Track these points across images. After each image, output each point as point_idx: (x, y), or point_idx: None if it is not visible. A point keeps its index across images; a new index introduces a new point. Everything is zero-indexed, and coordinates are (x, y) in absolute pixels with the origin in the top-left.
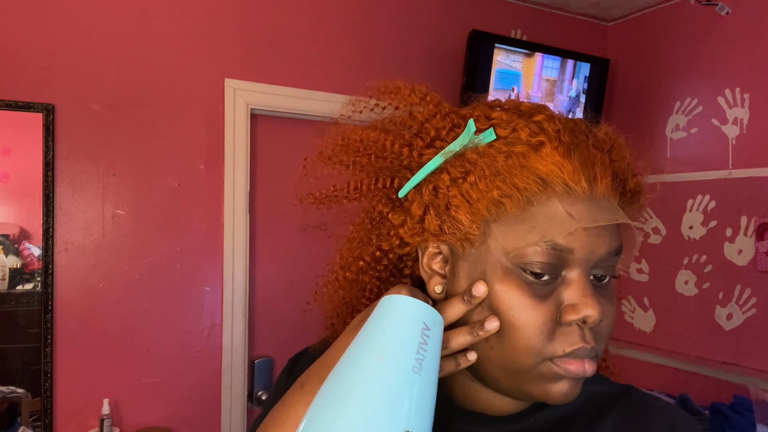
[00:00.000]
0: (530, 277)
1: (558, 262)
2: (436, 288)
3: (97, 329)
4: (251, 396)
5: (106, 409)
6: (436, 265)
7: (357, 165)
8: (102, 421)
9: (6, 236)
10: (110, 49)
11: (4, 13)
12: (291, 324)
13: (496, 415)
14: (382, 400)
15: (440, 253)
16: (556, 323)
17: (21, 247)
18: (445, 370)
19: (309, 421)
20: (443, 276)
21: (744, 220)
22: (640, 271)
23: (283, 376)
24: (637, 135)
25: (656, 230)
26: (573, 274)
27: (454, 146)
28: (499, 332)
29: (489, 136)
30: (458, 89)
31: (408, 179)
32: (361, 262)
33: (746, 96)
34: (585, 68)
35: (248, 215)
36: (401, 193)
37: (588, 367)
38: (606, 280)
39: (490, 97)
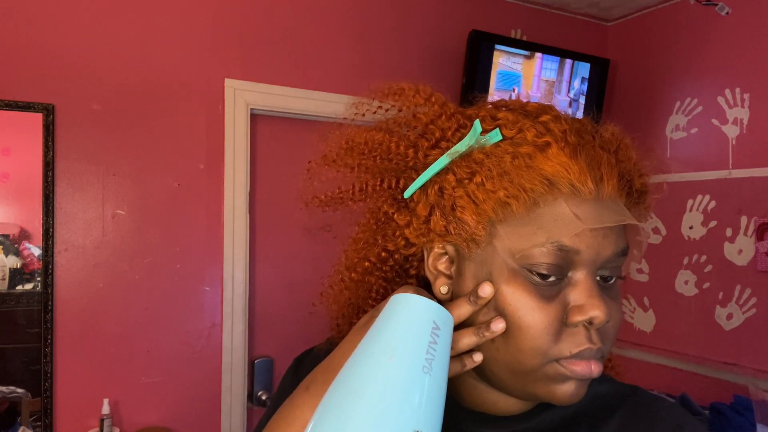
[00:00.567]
0: (536, 278)
1: (564, 263)
2: (442, 288)
3: (97, 329)
4: (251, 396)
5: (106, 409)
6: (442, 265)
7: (362, 167)
8: (102, 421)
9: (6, 236)
10: (110, 49)
11: (4, 13)
12: (291, 324)
13: (502, 415)
14: (392, 400)
15: (446, 253)
16: (562, 324)
17: (21, 247)
18: (451, 371)
19: (318, 419)
20: (449, 277)
21: (744, 220)
22: (640, 271)
23: (288, 376)
24: (637, 135)
25: (656, 230)
26: (579, 275)
27: (460, 147)
28: (506, 333)
29: (495, 136)
30: (458, 89)
31: (413, 180)
32: (367, 263)
33: (746, 96)
34: (584, 69)
35: (248, 215)
36: (407, 194)
37: (594, 368)
38: (612, 281)
39: (491, 98)
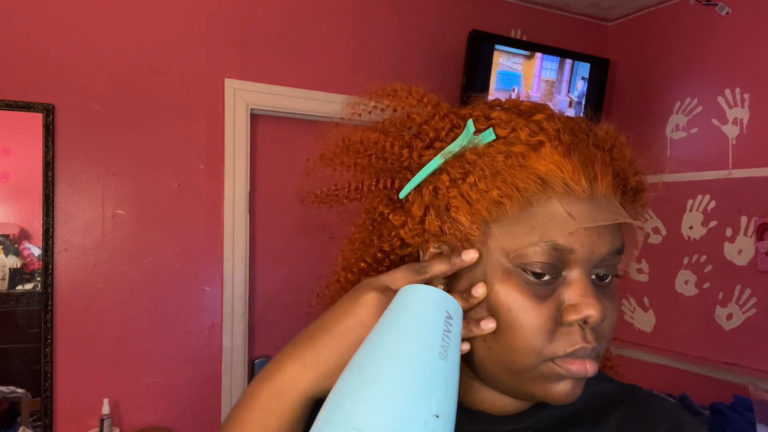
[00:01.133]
0: (531, 278)
1: (558, 262)
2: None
3: (97, 329)
4: None
5: (106, 409)
6: None
7: (358, 166)
8: (102, 421)
9: (6, 236)
10: (110, 50)
11: (4, 13)
12: (291, 324)
13: (499, 414)
14: (412, 384)
15: (441, 253)
16: (556, 323)
17: (21, 247)
18: None
19: (333, 404)
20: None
21: (744, 220)
22: (640, 271)
23: None
24: (635, 134)
25: (656, 230)
26: (574, 274)
27: (454, 147)
28: (498, 332)
29: (488, 136)
30: (458, 89)
31: (408, 180)
32: (363, 264)
33: (746, 96)
34: (584, 69)
35: (248, 215)
36: (402, 194)
37: (589, 367)
38: (608, 280)
39: (491, 98)
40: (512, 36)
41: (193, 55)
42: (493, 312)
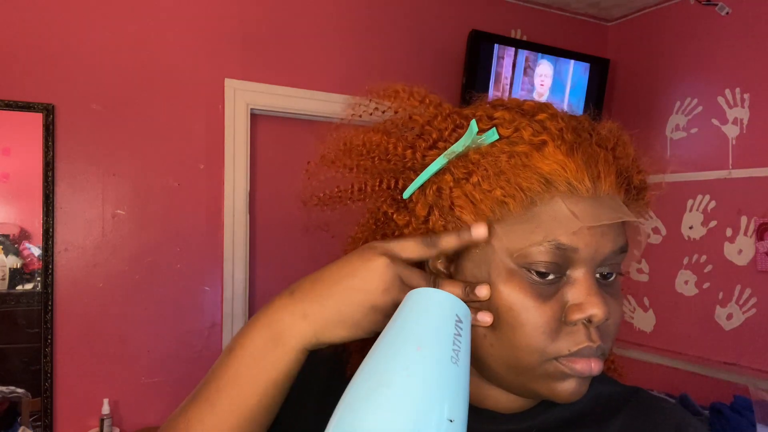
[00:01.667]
0: (535, 277)
1: (563, 262)
2: None
3: (97, 329)
4: None
5: (106, 409)
6: (441, 265)
7: (360, 168)
8: (102, 421)
9: (6, 236)
10: (110, 49)
11: (4, 13)
12: None
13: (504, 412)
14: (425, 389)
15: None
16: (560, 323)
17: (21, 247)
18: None
19: (346, 409)
20: (448, 276)
21: (744, 220)
22: (640, 271)
23: None
24: (637, 135)
25: (656, 230)
26: (578, 273)
27: (457, 147)
28: (501, 331)
29: (492, 136)
30: (458, 89)
31: (412, 180)
32: None
33: (746, 96)
34: (584, 69)
35: (248, 215)
36: (405, 195)
37: (594, 366)
38: (612, 278)
39: (491, 97)
40: (512, 36)
41: (193, 55)
42: (497, 311)
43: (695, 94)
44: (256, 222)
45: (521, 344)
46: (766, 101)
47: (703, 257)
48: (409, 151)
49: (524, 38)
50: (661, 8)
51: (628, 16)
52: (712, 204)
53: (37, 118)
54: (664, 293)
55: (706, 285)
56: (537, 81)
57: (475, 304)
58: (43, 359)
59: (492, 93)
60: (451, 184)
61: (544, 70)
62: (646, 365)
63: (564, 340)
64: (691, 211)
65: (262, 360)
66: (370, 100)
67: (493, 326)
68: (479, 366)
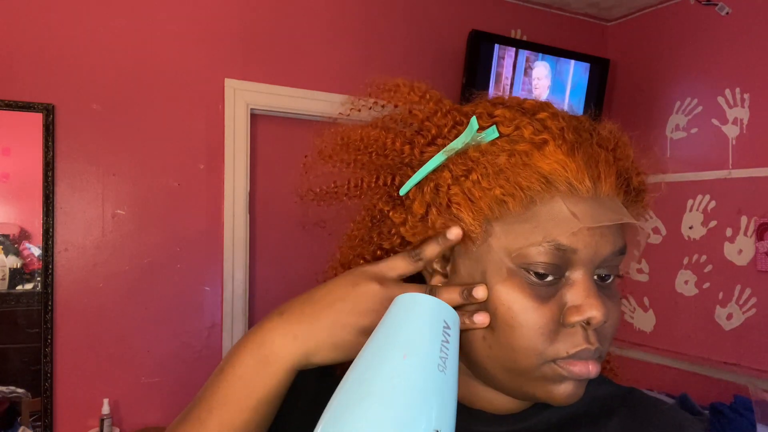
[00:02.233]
0: (533, 278)
1: (562, 263)
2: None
3: (97, 329)
4: None
5: (106, 409)
6: (437, 264)
7: (357, 163)
8: (102, 421)
9: (6, 236)
10: (110, 49)
11: (4, 13)
12: None
13: (497, 413)
14: (411, 398)
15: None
16: (559, 324)
17: (21, 247)
18: None
19: (332, 418)
20: (444, 275)
21: (744, 220)
22: (640, 271)
23: None
24: (637, 135)
25: (656, 230)
26: (577, 275)
27: (456, 144)
28: (499, 332)
29: (491, 133)
30: (458, 89)
31: (409, 177)
32: (362, 261)
33: (746, 96)
34: (584, 69)
35: (248, 215)
36: (402, 191)
37: (592, 369)
38: (610, 280)
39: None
40: (512, 36)
41: (193, 55)
42: (494, 311)
43: (695, 94)
44: (256, 222)
45: (519, 346)
46: (766, 101)
47: (703, 257)
48: (407, 147)
49: (524, 38)
50: (661, 8)
51: (628, 16)
52: (712, 204)
53: (37, 118)
54: (664, 293)
55: (706, 285)
56: (537, 81)
57: (472, 307)
58: (43, 359)
59: (492, 93)
60: (450, 181)
61: (544, 70)
62: (646, 365)
63: (562, 342)
64: (691, 211)
65: (252, 380)
66: (369, 95)
67: (490, 327)
68: (474, 367)
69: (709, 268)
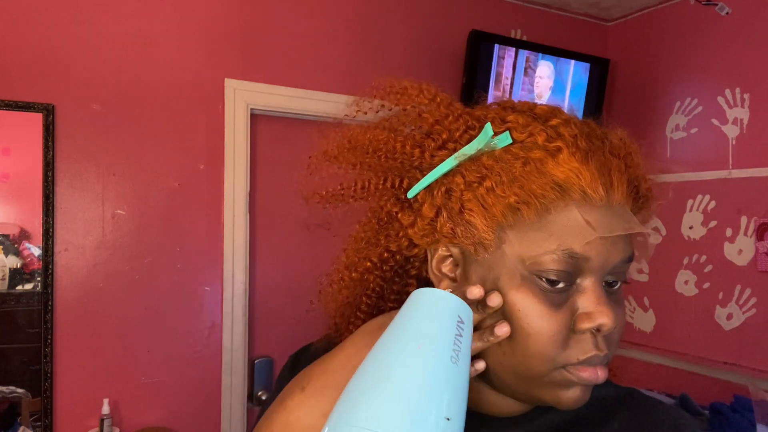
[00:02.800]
0: (545, 285)
1: (574, 270)
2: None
3: (97, 329)
4: (251, 396)
5: (106, 409)
6: (446, 268)
7: (365, 165)
8: (102, 421)
9: (6, 236)
10: (110, 50)
11: (4, 13)
12: (291, 324)
13: (500, 416)
14: (424, 386)
15: (450, 256)
16: (570, 331)
17: (21, 247)
18: None
19: (345, 404)
20: (453, 279)
21: (744, 220)
22: (640, 271)
23: (286, 372)
24: (637, 135)
25: (656, 230)
26: (587, 282)
27: (469, 149)
28: (513, 339)
29: (505, 139)
30: (458, 89)
31: (418, 180)
32: (368, 263)
33: (746, 96)
34: (584, 69)
35: (248, 215)
36: (411, 194)
37: (600, 374)
38: (617, 286)
39: (491, 98)
40: (512, 36)
41: (193, 55)
42: (508, 318)
43: (695, 94)
44: (256, 222)
45: (533, 352)
46: (766, 101)
47: (703, 257)
48: (417, 150)
49: (524, 38)
50: (661, 8)
51: (628, 16)
52: (712, 204)
53: (37, 118)
54: (664, 293)
55: (706, 285)
56: (539, 81)
57: (488, 321)
58: (43, 359)
59: (492, 93)
60: (463, 186)
61: (547, 70)
62: (646, 365)
63: (573, 349)
64: (691, 211)
65: None
66: (375, 96)
67: None
68: (485, 373)
69: (709, 268)
